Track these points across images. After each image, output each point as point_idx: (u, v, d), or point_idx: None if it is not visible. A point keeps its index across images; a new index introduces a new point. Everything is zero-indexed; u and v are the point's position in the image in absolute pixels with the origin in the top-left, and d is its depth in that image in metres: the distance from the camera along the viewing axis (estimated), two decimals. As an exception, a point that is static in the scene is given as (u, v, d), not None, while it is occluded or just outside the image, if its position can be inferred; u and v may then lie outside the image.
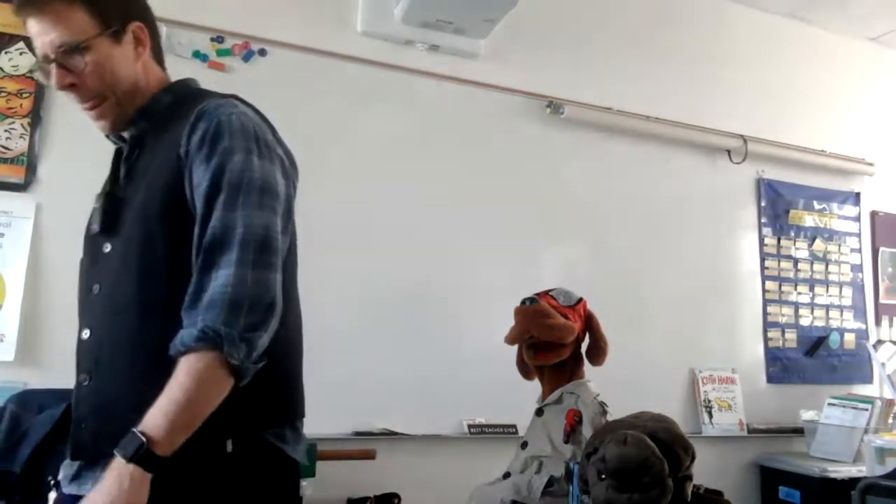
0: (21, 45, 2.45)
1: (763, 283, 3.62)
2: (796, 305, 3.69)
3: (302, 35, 2.80)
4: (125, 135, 1.30)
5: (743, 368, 3.48)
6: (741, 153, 3.55)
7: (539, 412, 2.17)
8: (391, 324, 2.78)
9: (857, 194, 3.95)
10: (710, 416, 3.32)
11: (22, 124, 2.43)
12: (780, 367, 3.59)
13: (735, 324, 3.53)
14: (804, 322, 3.70)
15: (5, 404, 1.99)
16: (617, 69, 3.38)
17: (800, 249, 3.75)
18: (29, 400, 1.99)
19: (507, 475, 2.09)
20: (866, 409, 3.22)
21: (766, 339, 3.59)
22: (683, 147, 3.47)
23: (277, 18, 2.79)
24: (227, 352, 1.02)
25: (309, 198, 2.70)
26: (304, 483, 2.21)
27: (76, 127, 2.47)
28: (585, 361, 2.21)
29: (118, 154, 1.33)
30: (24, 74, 2.44)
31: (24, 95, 2.44)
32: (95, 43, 1.19)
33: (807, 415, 3.45)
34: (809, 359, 3.66)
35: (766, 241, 3.66)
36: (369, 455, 2.55)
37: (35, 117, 2.44)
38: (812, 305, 3.73)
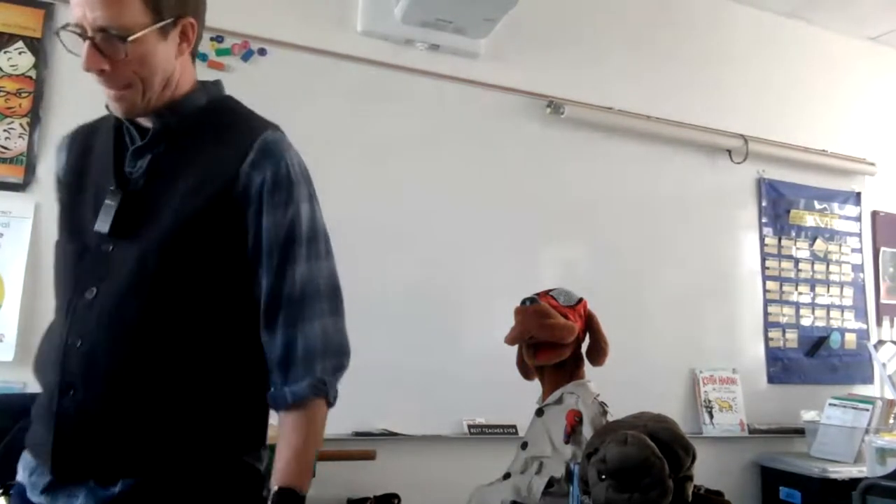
0: (20, 44, 2.45)
1: (764, 283, 3.62)
2: (797, 305, 3.68)
3: (302, 34, 2.80)
4: (144, 123, 1.18)
5: (743, 368, 3.47)
6: (742, 153, 3.55)
7: (539, 412, 2.16)
8: (391, 324, 2.77)
9: (858, 194, 3.94)
10: (711, 416, 3.31)
11: (21, 124, 2.42)
12: (781, 367, 3.58)
13: (736, 324, 3.53)
14: (805, 322, 3.69)
15: None
16: (617, 69, 3.37)
17: (800, 249, 3.74)
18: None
19: (507, 476, 2.09)
20: (867, 410, 3.22)
21: (766, 340, 3.58)
22: (684, 147, 3.47)
23: (277, 18, 2.78)
24: (331, 396, 1.17)
25: (309, 198, 2.73)
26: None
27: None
28: (586, 362, 2.20)
29: (120, 138, 1.19)
30: (23, 74, 2.44)
31: (24, 95, 2.43)
32: (143, 36, 1.08)
33: (807, 415, 3.45)
34: (810, 359, 3.66)
35: (767, 240, 3.66)
36: (369, 455, 2.54)
37: (34, 117, 2.44)
38: (813, 305, 3.73)
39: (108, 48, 1.07)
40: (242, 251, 1.15)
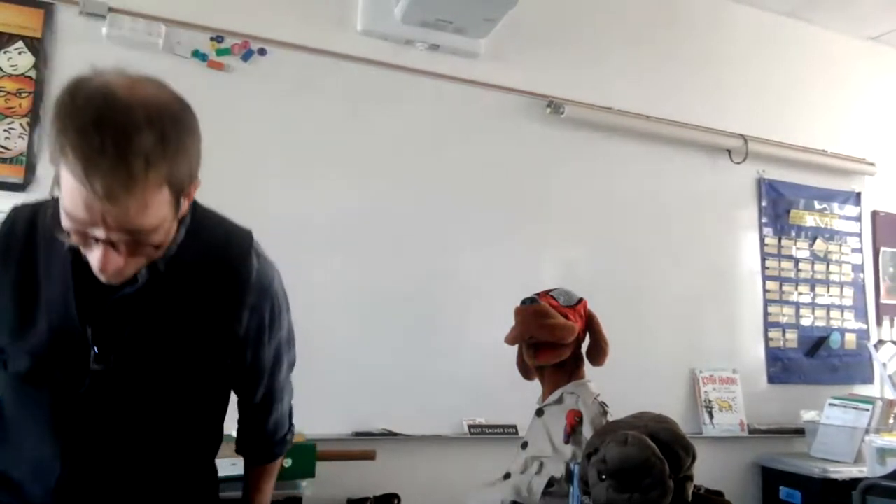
0: (20, 44, 2.45)
1: (764, 283, 3.62)
2: (797, 305, 3.68)
3: (301, 34, 2.80)
4: None
5: (743, 369, 3.47)
6: (742, 153, 3.55)
7: (539, 412, 2.16)
8: (391, 324, 2.77)
9: (858, 194, 3.94)
10: (711, 416, 3.31)
11: (21, 124, 2.42)
12: (781, 367, 3.58)
13: (736, 324, 3.53)
14: (805, 322, 3.69)
15: None
16: (617, 69, 3.37)
17: (801, 249, 3.74)
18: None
19: (507, 476, 2.09)
20: (867, 410, 3.22)
21: (766, 340, 3.58)
22: (684, 147, 3.47)
23: (277, 18, 2.78)
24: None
25: (308, 198, 2.73)
26: (304, 483, 2.21)
27: (75, 127, 2.48)
28: (586, 362, 2.20)
29: (79, 265, 1.07)
30: (23, 74, 2.44)
31: (23, 95, 2.43)
32: (167, 221, 1.00)
33: (808, 415, 3.45)
34: (810, 359, 3.66)
35: (767, 240, 3.66)
36: (369, 455, 2.54)
37: (34, 117, 2.44)
38: (813, 305, 3.73)
39: (130, 248, 0.98)
40: (241, 366, 1.27)
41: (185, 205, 1.04)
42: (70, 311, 1.09)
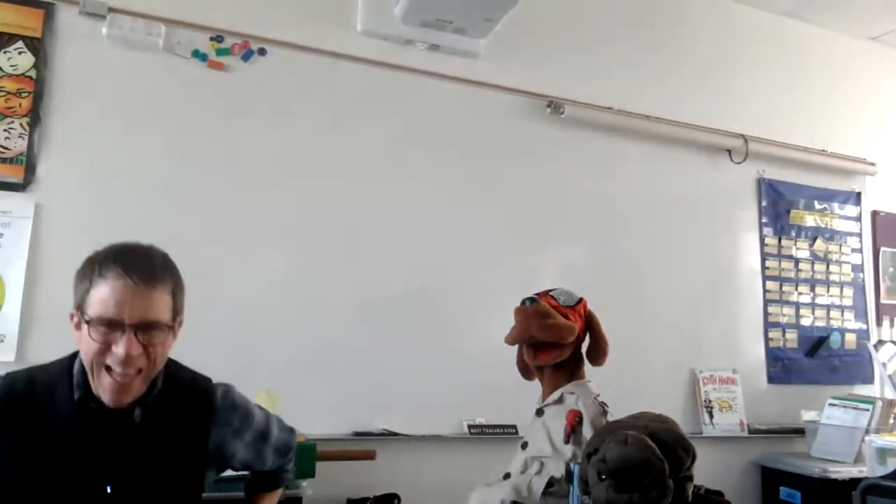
0: (20, 44, 2.45)
1: (764, 283, 3.62)
2: (797, 305, 3.68)
3: (302, 34, 2.80)
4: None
5: (744, 368, 3.47)
6: (742, 153, 3.55)
7: (539, 412, 2.16)
8: (391, 324, 2.77)
9: (858, 194, 3.94)
10: (711, 416, 3.31)
11: (21, 124, 2.42)
12: (781, 367, 3.58)
13: (736, 324, 3.52)
14: (805, 322, 3.69)
15: None
16: (617, 69, 3.37)
17: (801, 249, 3.74)
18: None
19: (507, 476, 2.09)
20: (867, 410, 3.22)
21: (766, 340, 3.58)
22: (684, 147, 3.47)
23: (277, 18, 2.78)
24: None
25: (308, 198, 2.73)
26: (304, 483, 2.21)
27: (75, 127, 2.48)
28: (586, 361, 2.20)
29: (84, 413, 1.33)
30: (23, 74, 2.44)
31: (23, 95, 2.43)
32: (167, 330, 1.33)
33: (808, 415, 3.45)
34: (810, 359, 3.66)
35: (767, 240, 3.66)
36: (369, 455, 2.54)
37: (34, 117, 2.44)
38: (813, 305, 3.73)
39: (144, 337, 1.29)
40: (233, 468, 1.55)
41: (177, 331, 1.37)
42: (80, 458, 1.31)
